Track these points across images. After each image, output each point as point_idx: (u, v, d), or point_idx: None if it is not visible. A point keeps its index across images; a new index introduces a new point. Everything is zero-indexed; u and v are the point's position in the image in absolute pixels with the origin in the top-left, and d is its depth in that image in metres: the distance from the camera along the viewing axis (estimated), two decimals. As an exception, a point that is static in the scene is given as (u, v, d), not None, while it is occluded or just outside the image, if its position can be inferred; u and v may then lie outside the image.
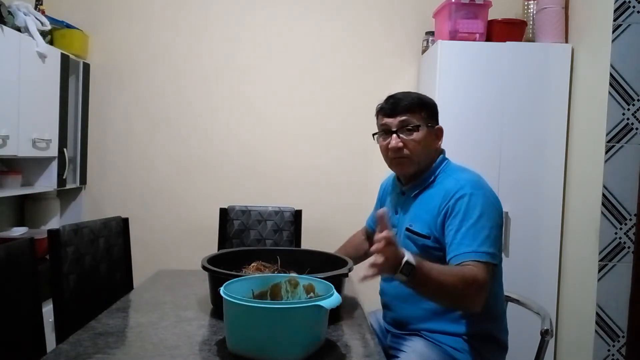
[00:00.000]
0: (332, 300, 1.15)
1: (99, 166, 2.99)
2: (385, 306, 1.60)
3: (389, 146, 1.47)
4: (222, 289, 1.18)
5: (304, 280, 1.33)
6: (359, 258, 1.82)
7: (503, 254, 2.50)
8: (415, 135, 1.45)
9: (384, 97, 1.53)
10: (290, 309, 1.11)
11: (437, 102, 1.57)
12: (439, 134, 1.51)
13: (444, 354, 1.42)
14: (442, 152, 1.54)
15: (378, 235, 1.16)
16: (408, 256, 1.19)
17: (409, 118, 1.45)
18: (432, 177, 1.49)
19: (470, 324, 1.43)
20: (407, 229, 1.47)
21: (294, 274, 1.47)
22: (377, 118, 1.54)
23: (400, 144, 1.45)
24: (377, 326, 1.63)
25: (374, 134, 1.55)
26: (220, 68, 2.98)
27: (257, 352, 1.11)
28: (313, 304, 1.12)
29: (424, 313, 1.45)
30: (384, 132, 1.50)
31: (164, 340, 1.24)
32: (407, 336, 1.49)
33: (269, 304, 1.16)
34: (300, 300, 1.28)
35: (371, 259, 1.16)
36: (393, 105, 1.47)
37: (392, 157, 1.49)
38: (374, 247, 1.15)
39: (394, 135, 1.46)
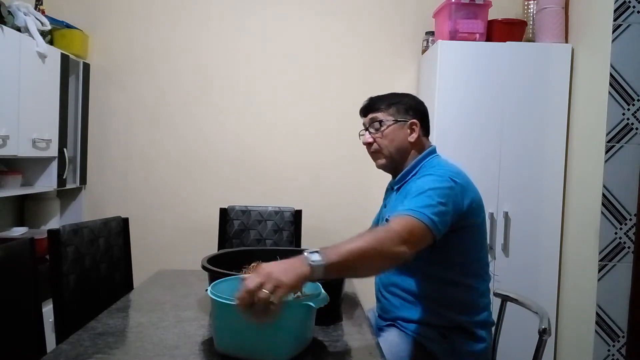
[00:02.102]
0: (320, 299, 1.15)
1: (99, 166, 2.99)
2: (376, 297, 1.66)
3: (362, 142, 1.62)
4: (209, 288, 1.17)
5: None
6: None
7: (503, 254, 2.53)
8: (381, 129, 1.56)
9: None
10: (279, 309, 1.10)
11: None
12: (413, 127, 1.56)
13: (415, 343, 1.45)
14: (429, 147, 1.60)
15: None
16: (306, 253, 1.11)
17: (376, 115, 1.58)
18: (415, 170, 1.55)
19: (444, 316, 1.46)
20: (387, 220, 1.50)
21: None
22: None
23: (370, 139, 1.59)
24: (373, 322, 1.64)
25: (359, 133, 1.66)
26: (220, 68, 2.98)
27: (244, 352, 1.11)
28: (300, 303, 1.12)
29: (400, 302, 1.50)
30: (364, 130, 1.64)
31: (164, 340, 1.24)
32: (385, 327, 1.54)
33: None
34: (288, 300, 1.28)
35: None
36: (365, 106, 1.62)
37: (368, 151, 1.63)
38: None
39: (366, 132, 1.62)
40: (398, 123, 1.56)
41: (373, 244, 1.18)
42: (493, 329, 1.60)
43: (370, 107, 1.60)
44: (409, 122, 1.56)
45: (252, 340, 1.10)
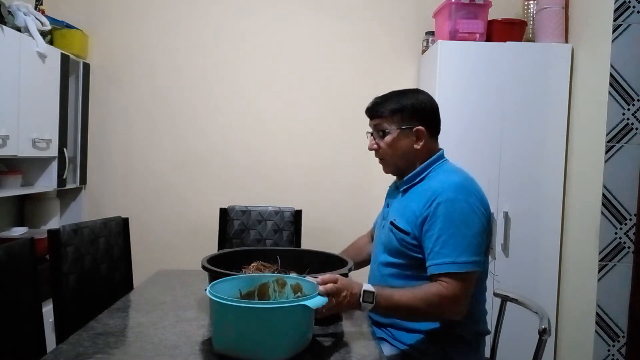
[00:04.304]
0: (317, 300, 1.14)
1: (99, 166, 2.99)
2: None
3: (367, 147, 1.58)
4: (208, 288, 1.17)
5: (291, 280, 1.32)
6: (362, 262, 1.81)
7: (503, 254, 2.52)
8: (386, 139, 1.51)
9: None
10: (274, 309, 1.10)
11: (437, 102, 1.55)
12: (419, 134, 1.49)
13: (406, 358, 1.42)
14: (438, 151, 1.54)
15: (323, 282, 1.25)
16: (366, 286, 1.30)
17: (380, 123, 1.52)
18: (423, 175, 1.50)
19: (445, 325, 1.43)
20: (391, 222, 1.50)
21: (294, 274, 1.46)
22: None
23: (375, 146, 1.55)
24: None
25: (367, 133, 1.62)
26: (220, 68, 2.98)
27: (242, 351, 1.10)
28: (298, 303, 1.12)
29: None
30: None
31: (164, 340, 1.24)
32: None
33: (253, 303, 1.15)
34: (285, 300, 1.28)
35: None
36: (370, 109, 1.56)
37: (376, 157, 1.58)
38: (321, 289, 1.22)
39: (370, 137, 1.57)
40: (403, 131, 1.49)
41: (422, 306, 1.31)
42: (487, 337, 1.57)
43: (374, 111, 1.53)
44: (414, 130, 1.49)
45: (249, 340, 1.10)
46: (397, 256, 1.47)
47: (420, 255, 1.42)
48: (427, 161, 1.51)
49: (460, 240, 1.34)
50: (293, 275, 1.41)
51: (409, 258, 1.45)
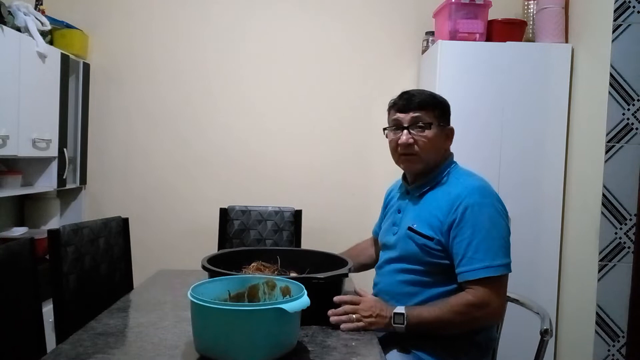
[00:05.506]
0: (296, 303, 1.10)
1: (99, 166, 2.99)
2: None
3: (399, 142, 1.46)
4: (190, 290, 1.15)
5: (281, 282, 1.30)
6: (364, 264, 1.80)
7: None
8: (427, 133, 1.45)
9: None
10: (250, 311, 1.08)
11: None
12: (449, 134, 1.50)
13: None
14: (451, 154, 1.54)
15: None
16: (397, 308, 1.33)
17: (421, 115, 1.45)
18: (439, 178, 1.48)
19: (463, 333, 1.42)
20: (410, 228, 1.45)
21: (293, 274, 1.46)
22: (388, 113, 1.54)
23: (411, 140, 1.45)
24: None
25: (384, 129, 1.55)
26: (220, 68, 2.98)
27: (219, 353, 1.09)
28: (273, 306, 1.08)
29: None
30: (396, 127, 1.50)
31: (164, 340, 1.24)
32: (384, 346, 1.47)
33: (228, 305, 1.14)
34: (262, 302, 1.26)
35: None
36: (406, 101, 1.47)
37: (401, 152, 1.48)
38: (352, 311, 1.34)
39: (405, 131, 1.46)
40: (440, 127, 1.46)
41: (453, 318, 1.32)
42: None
43: (415, 103, 1.45)
44: (447, 128, 1.48)
45: (226, 342, 1.08)
46: (415, 263, 1.44)
47: (444, 261, 1.40)
48: (443, 165, 1.50)
49: (492, 244, 1.34)
50: (293, 274, 1.41)
51: (429, 265, 1.42)
